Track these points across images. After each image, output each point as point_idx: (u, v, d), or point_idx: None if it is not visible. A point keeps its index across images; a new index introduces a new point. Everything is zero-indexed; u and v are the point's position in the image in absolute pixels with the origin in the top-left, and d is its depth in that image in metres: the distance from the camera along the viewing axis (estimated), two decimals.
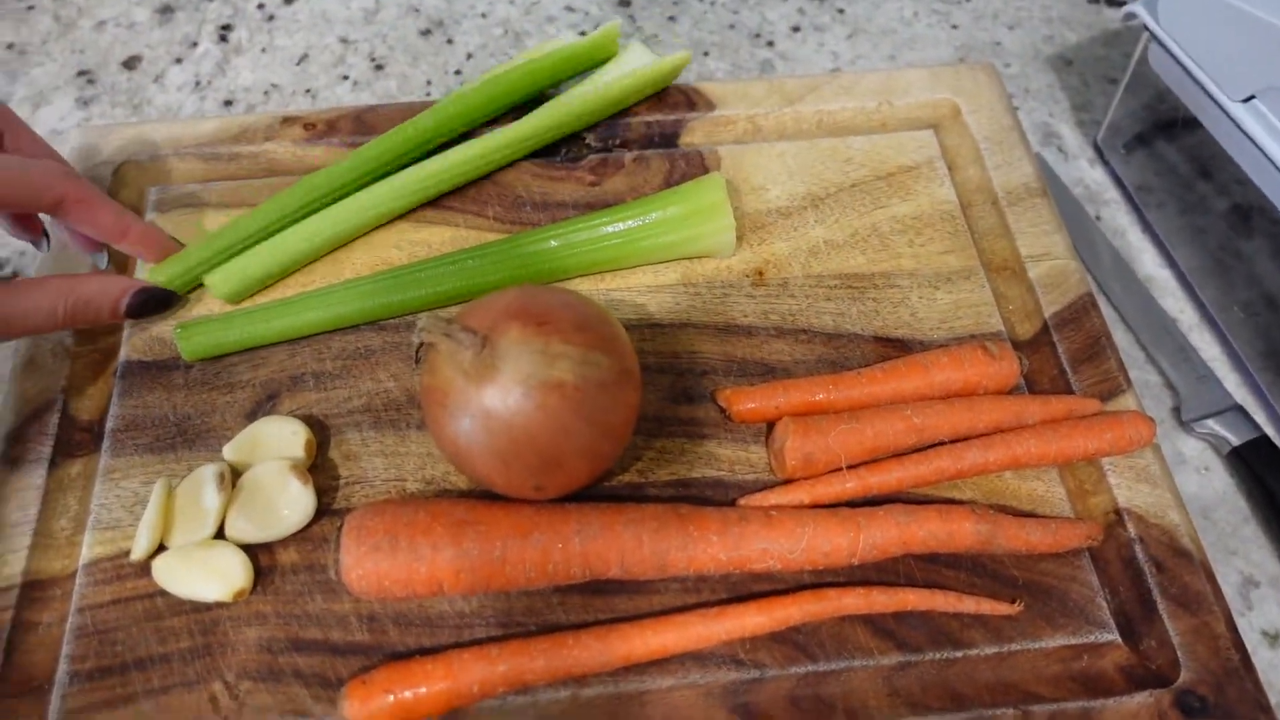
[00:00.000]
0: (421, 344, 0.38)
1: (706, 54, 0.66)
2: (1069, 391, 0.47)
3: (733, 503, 0.44)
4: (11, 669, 0.41)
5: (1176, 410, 0.51)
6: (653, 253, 0.50)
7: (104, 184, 0.53)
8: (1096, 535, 0.43)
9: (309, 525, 0.43)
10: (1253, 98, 0.48)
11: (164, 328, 0.50)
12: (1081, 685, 0.41)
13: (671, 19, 0.68)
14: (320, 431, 0.46)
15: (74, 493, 0.45)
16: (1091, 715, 0.40)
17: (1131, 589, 0.43)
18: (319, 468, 0.46)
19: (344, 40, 0.67)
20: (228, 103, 0.63)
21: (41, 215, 0.49)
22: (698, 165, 0.55)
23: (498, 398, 0.37)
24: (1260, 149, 0.47)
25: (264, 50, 0.66)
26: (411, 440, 0.46)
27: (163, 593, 0.42)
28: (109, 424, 0.47)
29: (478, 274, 0.49)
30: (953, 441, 0.44)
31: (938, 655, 0.41)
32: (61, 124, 0.62)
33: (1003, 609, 0.42)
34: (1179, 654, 0.41)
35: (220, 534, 0.43)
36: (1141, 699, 0.40)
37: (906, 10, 0.68)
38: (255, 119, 0.56)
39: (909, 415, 0.44)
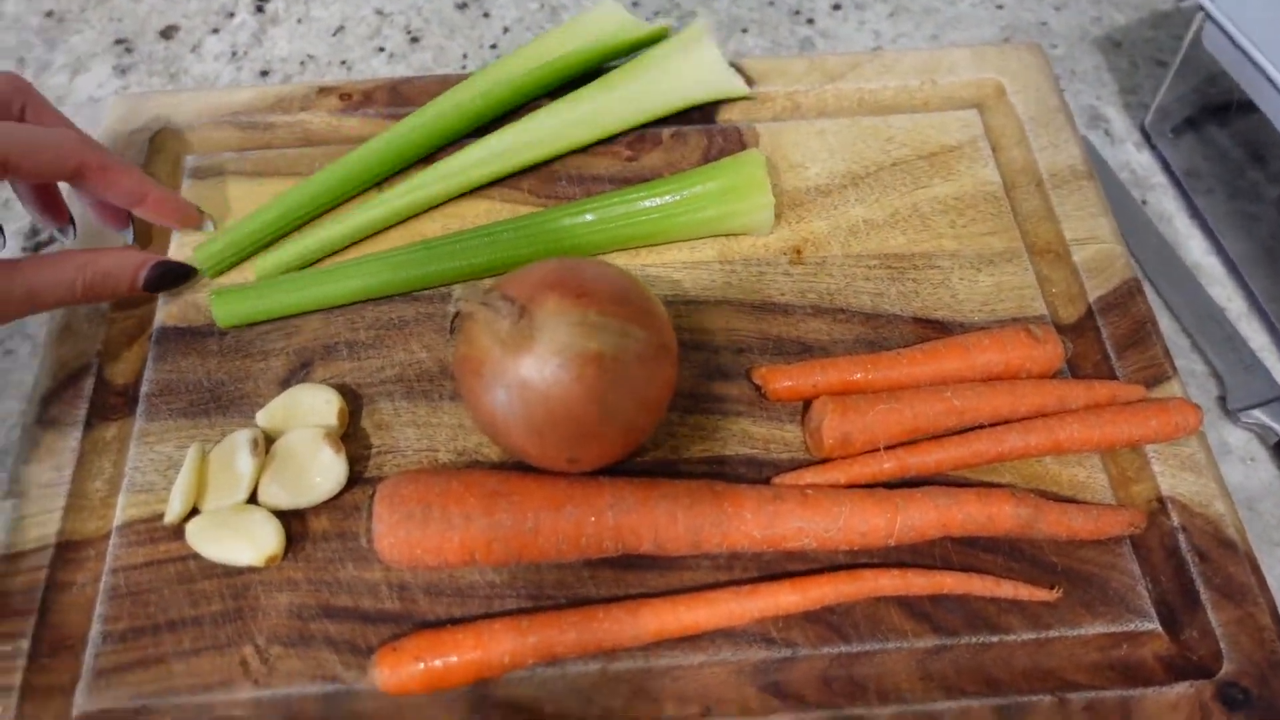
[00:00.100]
0: (458, 313, 0.38)
1: (745, 31, 0.65)
2: (1112, 377, 0.46)
3: (767, 481, 0.44)
4: (45, 628, 0.41)
5: (1222, 400, 0.50)
6: (690, 229, 0.49)
7: (140, 151, 0.53)
8: (1140, 523, 0.42)
9: (341, 493, 0.43)
10: None
11: (199, 295, 0.50)
12: (1120, 674, 0.40)
13: None
14: (353, 400, 0.46)
15: (108, 456, 0.45)
16: (1130, 705, 0.39)
17: (1174, 578, 0.42)
18: (351, 436, 0.45)
19: (380, 12, 0.66)
20: (264, 73, 0.63)
21: (68, 201, 0.49)
22: (735, 142, 0.54)
23: (534, 368, 0.36)
24: None
25: (300, 21, 0.66)
26: (444, 411, 0.46)
27: (195, 556, 0.42)
28: (143, 388, 0.47)
29: (512, 247, 0.48)
30: (993, 425, 0.44)
31: (973, 640, 0.41)
32: (99, 91, 0.62)
33: (1041, 595, 0.41)
34: (1222, 645, 0.40)
35: (253, 499, 0.43)
36: (1182, 689, 0.39)
37: None
38: (291, 89, 0.56)
39: (949, 397, 0.43)
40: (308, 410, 0.44)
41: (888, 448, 0.43)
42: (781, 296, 0.49)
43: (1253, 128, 0.50)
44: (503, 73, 0.53)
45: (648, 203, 0.48)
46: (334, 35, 0.65)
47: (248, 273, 0.50)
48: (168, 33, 0.65)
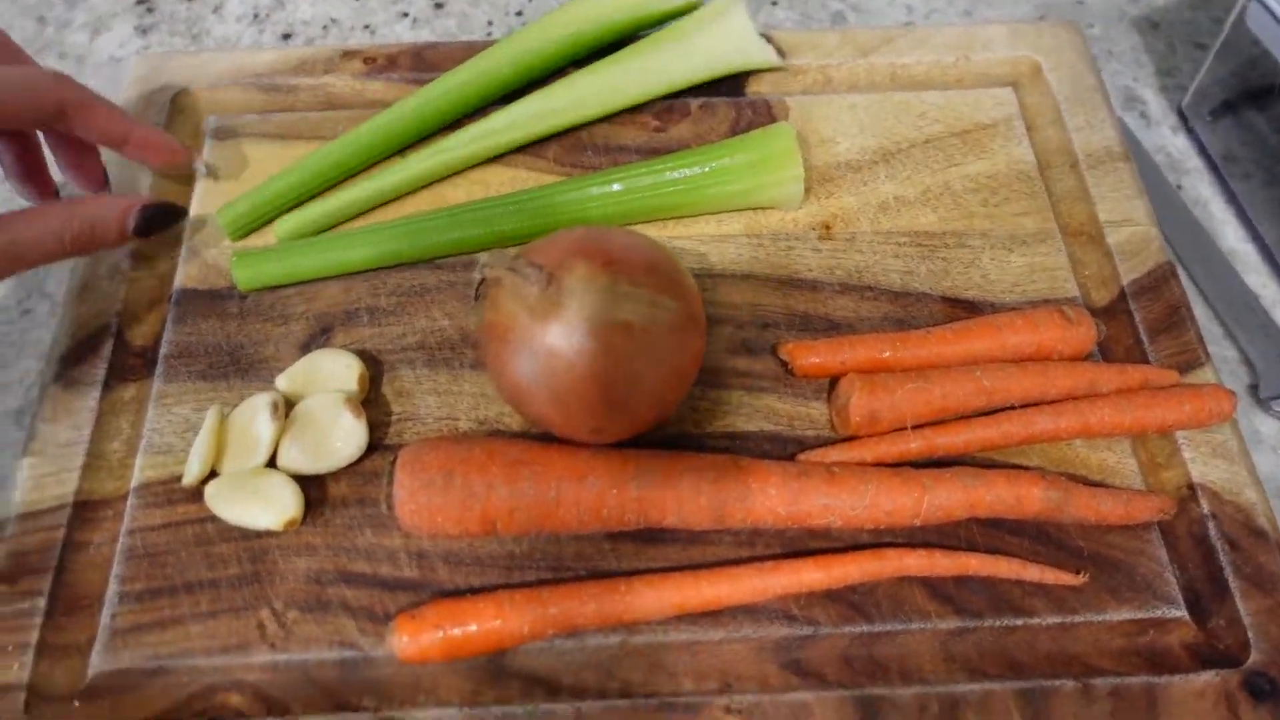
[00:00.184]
0: (483, 279, 0.37)
1: (775, 3, 0.64)
2: (1145, 362, 0.45)
3: (791, 458, 0.43)
4: (62, 587, 0.41)
5: (1254, 388, 0.49)
6: (718, 201, 0.48)
7: (161, 111, 0.53)
8: (1169, 509, 0.42)
9: (360, 459, 0.43)
10: None
11: (219, 256, 0.49)
12: (1146, 661, 0.40)
13: None
14: (373, 367, 0.46)
15: (126, 416, 0.45)
16: (1155, 692, 0.38)
17: (1202, 566, 0.41)
18: (371, 403, 0.45)
19: None
20: (286, 36, 0.62)
21: (54, 175, 0.48)
22: (765, 114, 0.53)
23: (562, 336, 0.36)
24: None
25: None
26: (465, 380, 0.46)
27: (213, 519, 0.42)
28: (162, 350, 0.47)
29: (537, 215, 0.48)
30: (1023, 406, 0.43)
31: (998, 622, 0.40)
32: (120, 51, 0.62)
33: (1067, 579, 0.40)
34: (1250, 635, 0.39)
35: (272, 464, 0.42)
36: (1208, 678, 0.39)
37: None
38: (315, 51, 0.55)
39: (979, 377, 0.42)
40: (328, 375, 0.44)
41: (915, 427, 0.42)
42: (809, 272, 0.48)
43: None
44: (530, 40, 0.52)
45: (675, 174, 0.48)
46: None
47: (269, 237, 0.50)
48: None
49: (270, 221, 0.49)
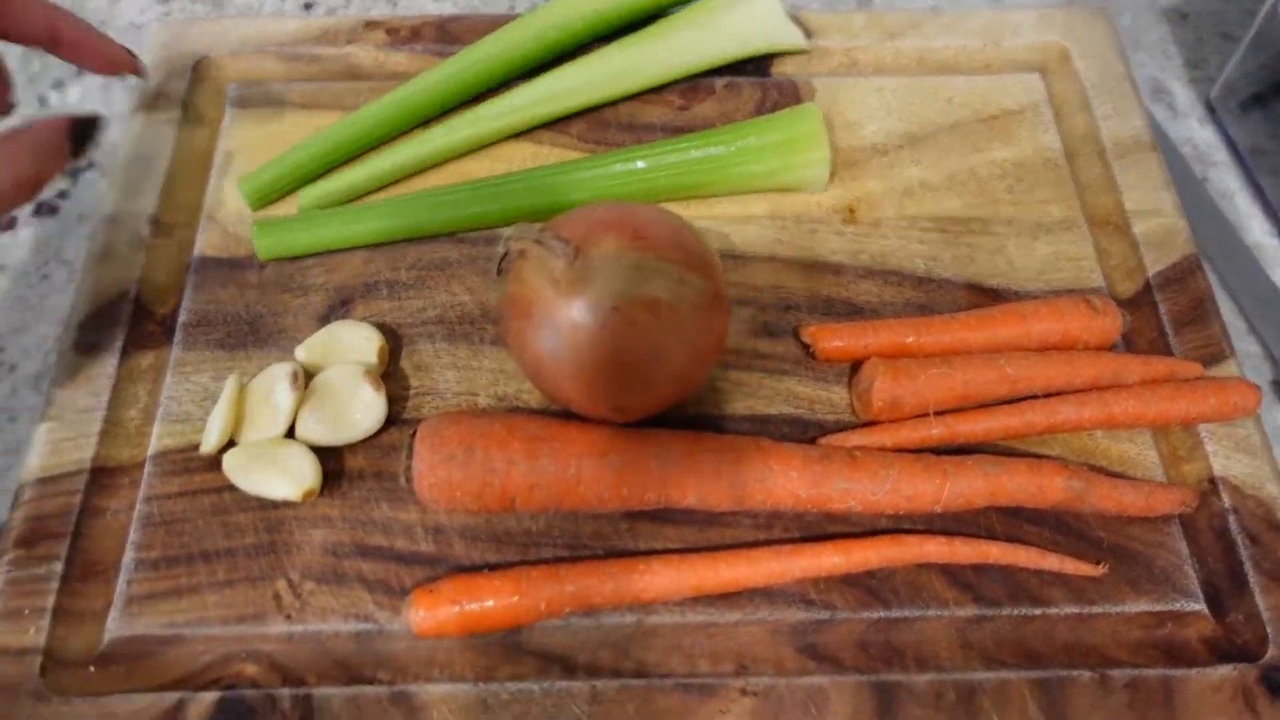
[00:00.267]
0: (507, 251, 0.37)
1: None
2: (1168, 354, 0.45)
3: (811, 441, 0.43)
4: (79, 552, 0.40)
5: (1277, 384, 0.49)
6: (742, 181, 0.48)
7: (183, 78, 0.52)
8: (1191, 502, 0.41)
9: (379, 432, 0.43)
10: None
11: (240, 225, 0.49)
12: (1163, 653, 0.39)
13: None
14: (392, 340, 0.46)
15: (144, 384, 0.45)
16: (1172, 685, 0.38)
17: (1222, 560, 0.41)
18: (390, 376, 0.45)
19: None
20: (307, 5, 0.62)
21: None
22: (791, 95, 0.53)
23: (587, 311, 0.36)
24: None
25: None
26: (485, 355, 0.45)
27: (230, 488, 0.42)
28: (181, 318, 0.46)
29: (560, 191, 0.47)
30: (1046, 395, 0.43)
31: (1015, 611, 0.40)
32: (141, 17, 0.61)
33: (1086, 569, 0.40)
34: (1268, 630, 0.39)
35: (290, 435, 0.42)
36: (1225, 672, 0.39)
37: None
38: (338, 21, 0.54)
39: (1002, 365, 0.42)
40: (348, 347, 0.44)
41: (937, 413, 0.42)
42: (833, 256, 0.48)
43: None
44: (555, 14, 0.51)
45: (702, 152, 0.47)
46: None
47: (290, 207, 0.49)
48: None
49: (291, 192, 0.49)
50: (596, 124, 0.52)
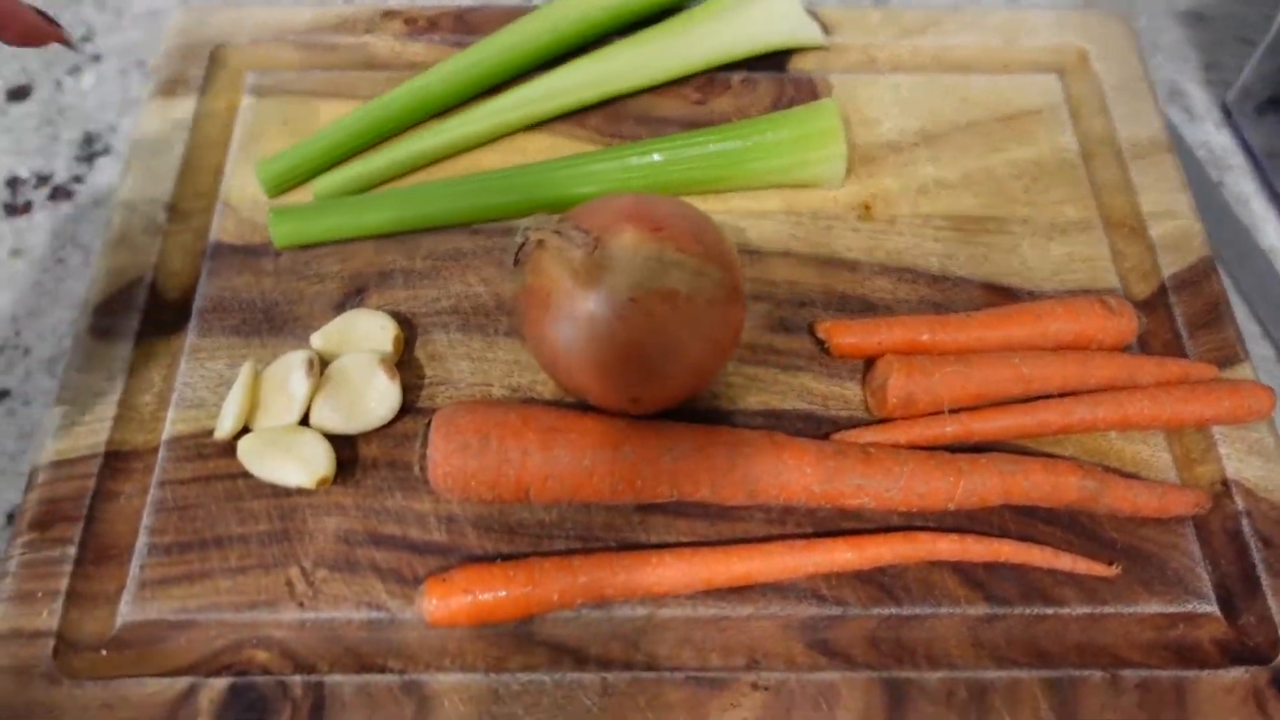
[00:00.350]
0: (525, 241, 0.37)
1: None
2: (1183, 356, 0.45)
3: (825, 437, 0.43)
4: (92, 536, 0.41)
5: None
6: (759, 176, 0.48)
7: (201, 65, 0.52)
8: (1205, 504, 0.41)
9: (393, 421, 0.43)
10: None
11: (255, 212, 0.49)
12: (1174, 655, 0.39)
13: None
14: (407, 329, 0.46)
15: (159, 369, 0.45)
16: (1183, 686, 0.38)
17: (1235, 562, 0.41)
18: (404, 366, 0.45)
19: None
20: None
21: None
22: (808, 91, 0.53)
23: (605, 302, 0.36)
24: None
25: None
26: (499, 346, 0.45)
27: (244, 474, 0.42)
28: (196, 304, 0.47)
29: (576, 183, 0.47)
30: (1061, 395, 0.43)
31: (1027, 610, 0.40)
32: (159, 4, 0.61)
33: (1099, 570, 0.40)
34: None
35: (304, 422, 0.42)
36: (1236, 674, 0.39)
37: None
38: (355, 10, 0.54)
39: (1017, 364, 0.42)
40: (363, 335, 0.44)
41: (951, 411, 0.42)
42: (849, 252, 0.48)
43: None
44: (574, 7, 0.51)
45: (718, 146, 0.47)
46: None
47: (305, 195, 0.49)
48: None
49: (307, 180, 0.49)
50: (613, 117, 0.52)
